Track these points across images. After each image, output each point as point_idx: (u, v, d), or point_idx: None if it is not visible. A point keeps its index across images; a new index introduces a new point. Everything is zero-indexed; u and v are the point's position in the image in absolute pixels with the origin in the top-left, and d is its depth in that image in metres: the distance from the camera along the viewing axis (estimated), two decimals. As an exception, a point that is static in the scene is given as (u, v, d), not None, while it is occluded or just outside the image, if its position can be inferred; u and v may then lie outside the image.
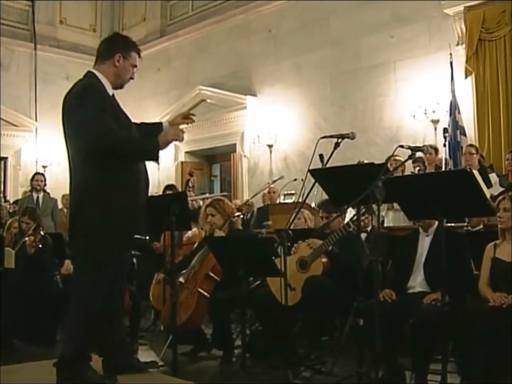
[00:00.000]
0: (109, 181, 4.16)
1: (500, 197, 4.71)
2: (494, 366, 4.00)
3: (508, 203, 4.54)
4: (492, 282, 4.49)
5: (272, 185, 10.64)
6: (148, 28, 16.28)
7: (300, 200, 5.45)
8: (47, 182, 10.81)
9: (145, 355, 6.06)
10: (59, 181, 13.53)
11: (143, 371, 4.63)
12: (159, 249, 7.05)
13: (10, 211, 10.90)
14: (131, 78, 4.40)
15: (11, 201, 12.40)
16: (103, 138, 4.07)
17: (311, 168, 4.58)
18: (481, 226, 6.21)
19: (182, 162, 14.84)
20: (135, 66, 4.40)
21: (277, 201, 10.58)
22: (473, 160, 8.00)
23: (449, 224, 6.20)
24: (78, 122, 4.10)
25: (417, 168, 8.39)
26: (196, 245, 6.16)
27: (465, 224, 6.24)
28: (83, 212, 4.15)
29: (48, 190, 11.00)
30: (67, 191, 4.41)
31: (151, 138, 4.27)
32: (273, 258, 5.01)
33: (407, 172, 7.53)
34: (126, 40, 4.44)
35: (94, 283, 4.16)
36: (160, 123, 4.74)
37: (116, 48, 4.32)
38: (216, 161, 15.48)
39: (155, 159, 4.23)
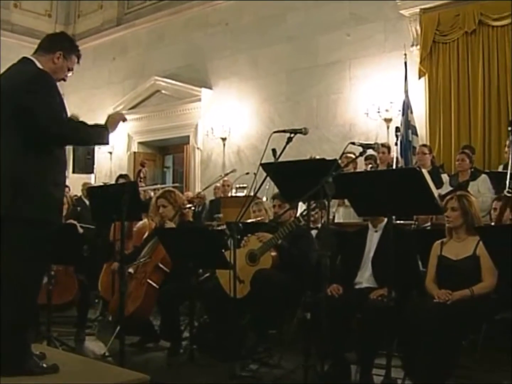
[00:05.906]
0: (48, 170, 4.00)
1: (448, 197, 4.78)
2: (437, 361, 4.07)
3: (455, 203, 4.62)
4: (438, 279, 4.57)
5: (225, 178, 10.64)
6: (104, 16, 16.11)
7: (252, 193, 5.45)
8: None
9: (92, 345, 6.04)
10: None
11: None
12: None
13: None
14: (63, 79, 4.33)
15: None
16: (61, 123, 3.97)
17: (263, 162, 4.60)
18: (429, 224, 6.31)
19: (134, 153, 14.73)
20: (71, 69, 4.35)
21: (229, 194, 10.58)
22: (425, 160, 8.07)
23: (398, 222, 6.30)
24: (34, 105, 4.00)
25: (370, 165, 8.47)
26: (146, 236, 6.14)
27: (413, 221, 6.33)
28: (23, 198, 4.00)
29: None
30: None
31: (98, 124, 4.25)
32: (223, 250, 5.02)
33: (359, 170, 7.59)
34: (71, 41, 4.39)
35: (31, 272, 3.89)
36: None
37: (60, 45, 4.25)
38: (169, 152, 15.42)
39: (107, 142, 4.20)
